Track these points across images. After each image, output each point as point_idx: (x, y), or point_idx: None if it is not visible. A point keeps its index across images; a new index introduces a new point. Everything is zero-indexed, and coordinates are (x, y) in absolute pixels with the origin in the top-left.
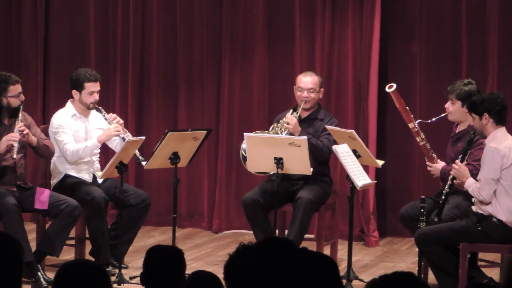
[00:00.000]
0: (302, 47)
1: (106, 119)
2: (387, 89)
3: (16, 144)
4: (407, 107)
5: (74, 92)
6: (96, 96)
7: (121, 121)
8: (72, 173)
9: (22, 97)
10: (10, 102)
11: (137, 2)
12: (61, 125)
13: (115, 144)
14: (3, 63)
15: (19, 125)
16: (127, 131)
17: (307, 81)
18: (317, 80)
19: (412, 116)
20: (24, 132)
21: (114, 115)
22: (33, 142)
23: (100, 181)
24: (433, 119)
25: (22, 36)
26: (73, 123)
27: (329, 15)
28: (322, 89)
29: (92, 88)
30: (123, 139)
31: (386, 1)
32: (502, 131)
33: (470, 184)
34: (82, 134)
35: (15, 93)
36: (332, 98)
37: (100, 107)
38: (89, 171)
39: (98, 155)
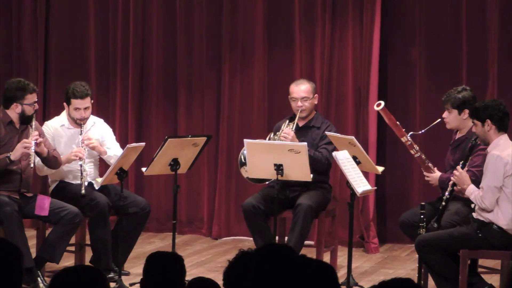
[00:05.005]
0: (302, 53)
1: (80, 138)
2: (375, 108)
3: (32, 153)
4: (398, 122)
5: (64, 104)
6: (83, 113)
7: (92, 144)
8: (69, 180)
9: (36, 106)
10: (25, 110)
11: (137, 8)
12: (42, 133)
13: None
14: (3, 67)
15: (34, 133)
16: (96, 155)
17: (299, 90)
18: (310, 87)
19: (403, 130)
20: (38, 141)
21: (87, 136)
22: (43, 152)
23: (96, 188)
24: (423, 131)
25: (22, 40)
26: (58, 133)
27: (329, 21)
28: (316, 95)
29: (78, 105)
30: (81, 166)
31: (386, 7)
32: (504, 138)
33: (472, 192)
34: (70, 144)
35: (31, 102)
36: (332, 104)
37: (83, 126)
38: (80, 181)
39: (92, 164)
